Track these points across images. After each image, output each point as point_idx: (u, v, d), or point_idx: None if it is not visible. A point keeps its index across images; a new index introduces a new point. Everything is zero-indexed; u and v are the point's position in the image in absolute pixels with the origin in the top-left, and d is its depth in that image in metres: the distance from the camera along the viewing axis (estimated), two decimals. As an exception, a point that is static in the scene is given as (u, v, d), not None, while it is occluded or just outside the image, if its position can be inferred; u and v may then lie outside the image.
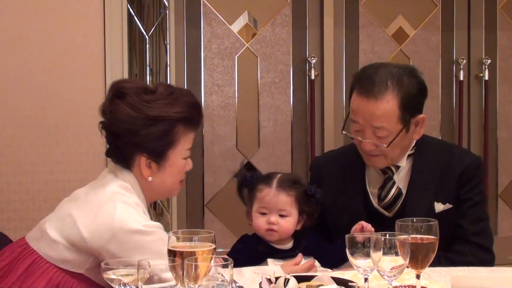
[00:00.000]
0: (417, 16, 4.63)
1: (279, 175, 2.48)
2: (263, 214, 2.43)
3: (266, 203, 2.43)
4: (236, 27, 4.40)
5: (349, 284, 1.93)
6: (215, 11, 4.35)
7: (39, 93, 3.62)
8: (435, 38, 4.66)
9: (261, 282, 1.91)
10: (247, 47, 4.41)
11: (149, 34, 4.18)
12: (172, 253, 1.70)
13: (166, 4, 4.16)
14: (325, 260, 2.45)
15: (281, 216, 2.42)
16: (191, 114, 2.27)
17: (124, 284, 1.65)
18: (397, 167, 2.53)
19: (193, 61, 4.35)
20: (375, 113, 2.39)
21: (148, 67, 4.21)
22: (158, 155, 2.25)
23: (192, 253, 1.67)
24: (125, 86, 2.27)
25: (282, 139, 4.47)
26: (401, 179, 2.54)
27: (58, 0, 3.65)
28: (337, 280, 1.95)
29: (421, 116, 2.48)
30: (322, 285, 1.93)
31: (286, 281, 1.88)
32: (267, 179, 2.48)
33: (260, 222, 2.43)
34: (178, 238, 1.74)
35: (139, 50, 4.24)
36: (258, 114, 4.44)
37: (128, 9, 3.93)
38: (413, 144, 2.55)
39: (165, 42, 4.20)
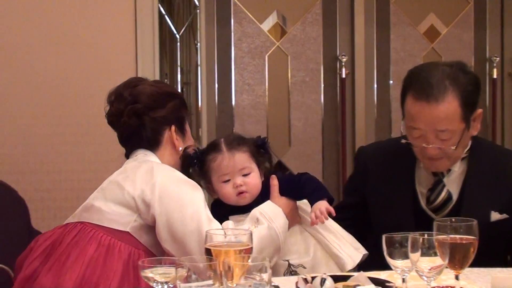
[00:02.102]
0: (449, 13, 4.59)
1: (222, 139, 2.45)
2: (227, 181, 2.39)
3: (224, 169, 2.38)
4: (266, 26, 4.39)
5: (386, 284, 1.92)
6: (245, 10, 4.35)
7: (71, 93, 3.64)
8: (467, 35, 4.61)
9: (297, 282, 1.91)
10: (278, 45, 4.40)
11: (179, 34, 4.19)
12: (209, 252, 1.70)
13: (197, 3, 4.16)
14: (289, 194, 2.42)
15: (244, 175, 2.38)
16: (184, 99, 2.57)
17: (162, 283, 1.64)
18: (448, 170, 2.45)
19: (223, 60, 4.35)
20: (438, 116, 2.30)
21: (179, 67, 4.22)
22: (182, 126, 2.47)
23: (230, 252, 1.66)
24: (134, 79, 2.53)
25: (313, 138, 4.45)
26: (452, 182, 2.46)
27: (90, 1, 3.67)
28: (374, 280, 1.94)
29: (479, 111, 2.41)
30: (359, 285, 1.91)
31: (323, 281, 1.87)
32: (214, 147, 2.44)
33: (227, 190, 2.39)
34: (215, 237, 1.73)
35: (170, 50, 4.24)
36: (289, 113, 4.42)
37: (159, 9, 3.93)
38: (468, 146, 2.47)
39: (195, 41, 4.20)
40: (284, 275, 2.31)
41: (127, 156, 2.46)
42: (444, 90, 2.31)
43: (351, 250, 2.42)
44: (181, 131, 2.46)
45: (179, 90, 4.20)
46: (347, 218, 2.60)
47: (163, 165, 2.35)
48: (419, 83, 2.35)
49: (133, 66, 3.76)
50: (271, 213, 2.33)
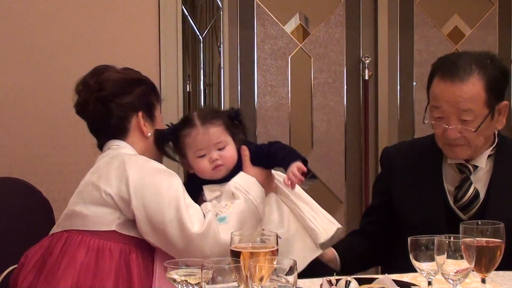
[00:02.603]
0: (473, 15, 4.56)
1: (195, 113, 2.41)
2: (202, 156, 2.35)
3: (199, 144, 2.34)
4: (289, 27, 4.39)
5: (412, 287, 1.91)
6: (268, 12, 4.35)
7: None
8: (492, 37, 4.58)
9: (321, 284, 1.90)
10: (301, 47, 4.39)
11: (203, 35, 4.19)
12: (234, 254, 1.70)
13: (220, 5, 4.17)
14: (261, 163, 2.39)
15: (220, 149, 2.34)
16: (154, 85, 2.53)
17: (187, 284, 1.65)
18: (475, 167, 2.44)
19: (246, 61, 4.35)
20: (461, 95, 2.30)
21: (202, 68, 4.23)
22: (150, 112, 2.44)
23: (255, 254, 1.66)
24: (100, 66, 2.49)
25: (336, 139, 4.44)
26: (479, 180, 2.44)
27: (114, 2, 3.69)
28: (399, 283, 1.93)
29: (504, 102, 2.39)
30: (384, 287, 1.90)
31: (348, 284, 1.86)
32: (187, 122, 2.40)
33: (203, 165, 2.35)
34: (240, 239, 1.73)
35: (192, 51, 4.25)
36: (312, 114, 4.42)
37: (182, 11, 3.94)
38: (494, 143, 2.46)
39: (218, 43, 4.21)
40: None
41: (100, 147, 2.45)
42: (469, 72, 2.33)
43: (326, 223, 2.42)
44: (149, 117, 2.43)
45: (202, 92, 4.21)
46: (378, 221, 2.61)
47: (135, 157, 2.32)
48: (446, 65, 2.38)
49: (156, 67, 3.77)
50: (245, 185, 2.30)
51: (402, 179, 2.54)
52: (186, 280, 1.65)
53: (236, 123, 2.44)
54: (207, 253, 2.12)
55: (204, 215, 2.20)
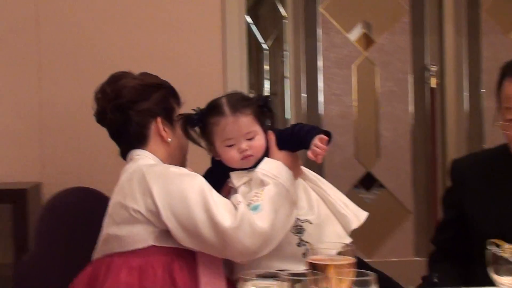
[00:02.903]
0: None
1: (224, 100, 2.28)
2: (231, 146, 2.26)
3: (228, 133, 2.24)
4: (353, 35, 4.38)
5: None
6: (332, 21, 4.35)
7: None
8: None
9: None
10: (365, 55, 4.38)
11: (267, 45, 4.21)
12: (313, 266, 1.70)
13: (284, 14, 4.18)
14: (287, 146, 2.31)
15: (249, 139, 2.25)
16: (173, 88, 2.47)
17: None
18: None
19: (310, 70, 4.36)
20: None
21: (266, 78, 4.24)
22: (170, 117, 2.40)
23: (333, 267, 1.66)
24: (118, 73, 2.45)
25: (403, 148, 4.40)
26: None
27: (179, 13, 3.73)
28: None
29: None
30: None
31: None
32: (216, 109, 2.27)
33: (232, 155, 2.26)
34: (317, 251, 1.73)
35: (256, 60, 4.27)
36: (377, 123, 4.40)
37: (247, 20, 3.96)
38: None
39: (281, 52, 4.22)
40: (291, 232, 2.23)
41: (123, 156, 2.42)
42: None
43: (356, 209, 2.36)
44: (169, 122, 2.39)
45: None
46: (455, 236, 2.54)
47: (153, 167, 2.27)
48: None
49: (221, 77, 3.80)
50: (273, 170, 2.23)
51: (475, 191, 2.48)
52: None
53: (266, 110, 2.34)
54: (247, 245, 2.09)
55: (235, 207, 2.14)
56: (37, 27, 3.65)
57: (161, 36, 3.71)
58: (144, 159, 2.33)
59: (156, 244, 2.20)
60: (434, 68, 4.35)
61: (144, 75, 2.46)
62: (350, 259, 1.70)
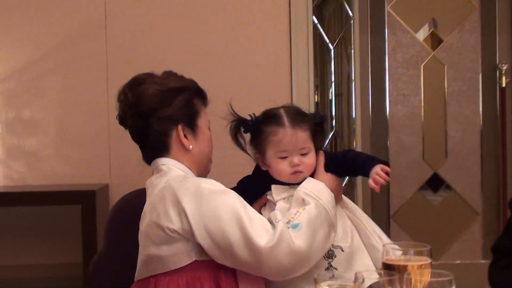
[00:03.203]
0: None
1: (283, 111, 2.26)
2: (284, 158, 2.24)
3: (285, 145, 2.22)
4: (421, 35, 4.32)
5: None
6: (399, 20, 4.29)
7: (226, 105, 3.70)
8: None
9: None
10: (433, 55, 4.31)
11: (333, 45, 4.18)
12: (388, 267, 1.67)
13: (351, 14, 4.14)
14: (335, 170, 2.29)
15: (302, 155, 2.24)
16: (199, 87, 2.39)
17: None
18: None
19: (377, 70, 4.31)
20: None
21: (332, 78, 4.21)
22: (192, 123, 2.32)
23: (408, 267, 1.62)
24: (139, 76, 2.38)
25: (471, 149, 4.32)
26: None
27: (246, 14, 3.73)
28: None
29: None
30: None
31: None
32: (275, 119, 2.25)
33: (283, 167, 2.24)
34: (392, 252, 1.70)
35: (322, 61, 4.25)
36: (445, 124, 4.32)
37: (313, 21, 3.94)
38: None
39: (347, 52, 4.19)
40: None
41: (146, 160, 2.39)
42: None
43: (389, 242, 2.28)
44: (191, 127, 2.32)
45: (332, 102, 4.19)
46: None
47: (184, 183, 2.19)
48: None
49: (287, 78, 3.79)
50: (316, 190, 2.20)
51: None
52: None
53: (319, 129, 2.33)
54: (284, 263, 2.07)
55: (273, 225, 2.11)
56: (104, 29, 3.70)
57: (228, 36, 3.73)
58: (171, 171, 2.27)
59: (199, 258, 2.17)
60: (504, 67, 4.25)
61: (167, 77, 2.38)
62: (427, 260, 1.67)
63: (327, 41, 4.18)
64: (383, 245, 1.75)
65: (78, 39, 3.70)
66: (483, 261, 4.26)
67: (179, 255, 2.17)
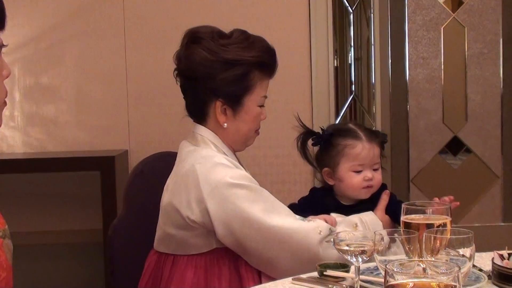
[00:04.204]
0: None
1: (354, 126, 2.33)
2: (358, 172, 2.28)
3: (363, 158, 2.27)
4: (441, -4, 4.26)
5: None
6: (419, -18, 4.24)
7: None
8: None
9: (493, 258, 1.83)
10: (454, 17, 4.25)
11: (353, 8, 4.14)
12: (407, 225, 1.66)
13: (370, -23, 4.10)
14: (393, 215, 2.29)
15: (374, 170, 2.30)
16: (267, 59, 2.23)
17: (357, 255, 1.62)
18: None
19: (397, 34, 4.26)
20: None
21: (351, 42, 4.17)
22: (234, 100, 2.21)
23: (429, 226, 1.61)
24: (201, 31, 2.25)
25: (492, 112, 4.28)
26: None
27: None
28: None
29: None
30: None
31: (522, 258, 1.78)
32: (350, 132, 2.31)
33: (357, 181, 2.28)
34: (411, 210, 1.69)
35: (341, 25, 4.20)
36: (466, 86, 4.27)
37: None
38: None
39: (367, 15, 4.14)
40: None
41: (188, 112, 2.33)
42: None
43: None
44: (232, 105, 2.21)
45: (351, 66, 4.16)
46: None
47: (211, 173, 2.13)
48: None
49: (307, 42, 3.77)
50: (372, 224, 2.21)
51: None
52: (356, 251, 1.62)
53: (383, 149, 2.39)
54: (298, 255, 2.08)
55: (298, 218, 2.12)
56: (122, -5, 3.69)
57: (246, 5, 3.70)
58: (204, 147, 2.23)
59: (220, 246, 2.17)
60: (526, 29, 4.20)
61: (227, 44, 2.22)
62: (446, 218, 1.65)
63: (347, 4, 4.13)
64: (403, 204, 1.73)
65: (95, 5, 3.69)
66: (502, 224, 4.25)
67: (199, 243, 2.17)
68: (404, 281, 1.15)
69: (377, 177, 2.32)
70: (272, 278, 2.11)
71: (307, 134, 2.37)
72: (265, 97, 2.27)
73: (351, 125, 2.36)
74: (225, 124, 2.23)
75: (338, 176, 2.33)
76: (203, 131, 2.26)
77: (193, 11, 3.69)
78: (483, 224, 4.26)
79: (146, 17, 3.69)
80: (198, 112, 2.27)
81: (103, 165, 3.34)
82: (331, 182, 2.36)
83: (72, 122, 3.72)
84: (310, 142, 2.39)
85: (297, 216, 2.14)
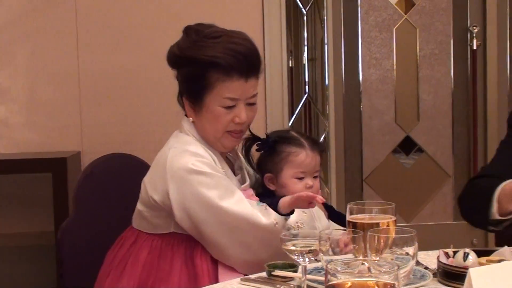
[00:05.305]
0: None
1: (299, 135, 2.37)
2: (300, 179, 2.32)
3: (305, 167, 2.31)
4: (393, -2, 4.31)
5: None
6: (371, -17, 4.27)
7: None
8: None
9: (438, 256, 1.86)
10: (406, 18, 4.30)
11: (306, 9, 4.16)
12: (352, 225, 1.68)
13: (323, -23, 4.12)
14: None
15: (315, 177, 2.34)
16: (224, 60, 2.15)
17: (304, 255, 1.64)
18: None
19: (350, 34, 4.29)
20: None
21: (305, 43, 4.20)
22: (194, 97, 2.22)
23: (374, 225, 1.63)
24: (190, 27, 2.28)
25: (443, 112, 4.34)
26: None
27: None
28: (520, 255, 1.86)
29: None
30: (504, 259, 1.84)
31: (466, 255, 1.81)
32: (294, 140, 2.35)
33: (298, 188, 2.29)
34: (356, 210, 1.71)
35: (295, 26, 4.23)
36: (418, 87, 4.33)
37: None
38: None
39: (321, 16, 4.17)
40: None
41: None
42: None
43: None
44: (193, 102, 2.23)
45: (305, 67, 4.18)
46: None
47: (178, 158, 2.16)
48: None
49: (260, 42, 3.77)
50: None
51: None
52: (303, 251, 1.63)
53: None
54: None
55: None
56: (73, -5, 3.66)
57: (200, 3, 3.70)
58: (185, 135, 2.26)
59: (177, 231, 2.20)
60: (476, 30, 4.26)
61: (197, 41, 2.21)
62: (391, 218, 1.67)
63: (300, 5, 4.15)
64: (348, 204, 1.75)
65: (46, 4, 3.65)
66: (454, 222, 4.31)
67: (158, 223, 2.21)
68: (343, 280, 1.16)
69: (317, 185, 2.35)
70: (228, 270, 2.15)
71: (252, 140, 2.38)
72: (233, 99, 2.20)
73: (293, 133, 2.39)
74: (191, 119, 2.26)
75: (281, 182, 2.35)
76: (184, 122, 2.29)
77: (146, 11, 3.68)
78: (435, 223, 4.32)
79: (98, 17, 3.67)
80: (180, 104, 2.31)
81: (55, 167, 3.31)
82: (272, 188, 2.37)
83: (23, 123, 3.68)
84: (254, 147, 2.39)
85: (258, 205, 2.16)
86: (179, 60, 2.23)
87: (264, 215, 2.12)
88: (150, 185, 2.20)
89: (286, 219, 2.15)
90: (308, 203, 2.08)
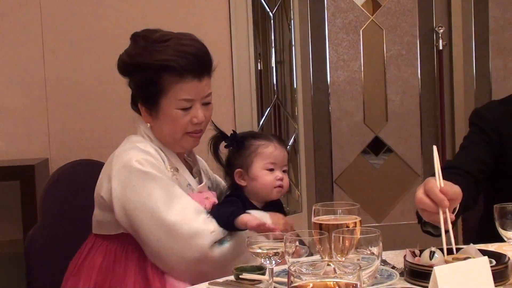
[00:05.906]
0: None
1: (262, 132, 2.45)
2: (270, 170, 2.35)
3: (275, 158, 2.34)
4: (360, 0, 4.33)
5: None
6: (337, -15, 4.29)
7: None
8: None
9: (405, 255, 1.87)
10: (372, 19, 4.33)
11: (273, 12, 4.17)
12: (318, 226, 1.68)
13: (289, -20, 4.13)
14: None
15: (284, 171, 2.37)
16: (176, 63, 2.15)
17: (271, 257, 1.64)
18: None
19: (317, 36, 4.31)
20: None
21: (273, 46, 4.20)
22: (151, 102, 2.21)
23: (339, 226, 1.64)
24: (137, 33, 2.27)
25: (411, 112, 4.37)
26: None
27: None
28: (485, 253, 1.88)
29: None
30: (470, 257, 1.85)
31: (432, 254, 1.82)
32: (261, 135, 2.44)
33: (269, 180, 2.33)
34: (322, 211, 1.71)
35: (263, 29, 4.23)
36: (385, 87, 4.36)
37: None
38: None
39: (288, 19, 4.18)
40: None
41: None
42: None
43: None
44: (149, 107, 2.23)
45: (273, 69, 4.18)
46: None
47: (124, 155, 2.16)
48: None
49: (227, 45, 3.77)
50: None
51: (496, 136, 2.40)
52: (269, 253, 1.63)
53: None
54: (185, 252, 2.09)
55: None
56: (39, 2, 3.62)
57: (166, 6, 3.68)
58: (136, 136, 2.26)
59: (126, 231, 2.17)
60: (441, 30, 4.29)
61: (145, 47, 2.21)
62: (356, 218, 1.68)
63: (267, 8, 4.15)
64: (314, 206, 1.76)
65: (11, 10, 3.62)
66: (424, 222, 4.33)
67: (108, 223, 2.19)
68: (305, 282, 1.16)
69: (286, 180, 2.37)
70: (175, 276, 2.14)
71: (219, 137, 2.39)
72: (189, 100, 2.20)
73: (256, 132, 2.49)
74: (148, 124, 2.25)
75: (252, 175, 2.35)
76: (141, 124, 2.28)
77: (112, 16, 3.66)
78: (406, 222, 4.34)
79: (64, 23, 3.64)
80: (135, 110, 2.31)
81: (22, 174, 3.28)
82: (243, 183, 2.37)
83: (-11, 130, 3.64)
84: (222, 145, 2.39)
85: (202, 212, 2.14)
86: (130, 68, 2.22)
87: (204, 222, 2.11)
88: (99, 183, 2.21)
89: (231, 233, 2.15)
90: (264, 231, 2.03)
